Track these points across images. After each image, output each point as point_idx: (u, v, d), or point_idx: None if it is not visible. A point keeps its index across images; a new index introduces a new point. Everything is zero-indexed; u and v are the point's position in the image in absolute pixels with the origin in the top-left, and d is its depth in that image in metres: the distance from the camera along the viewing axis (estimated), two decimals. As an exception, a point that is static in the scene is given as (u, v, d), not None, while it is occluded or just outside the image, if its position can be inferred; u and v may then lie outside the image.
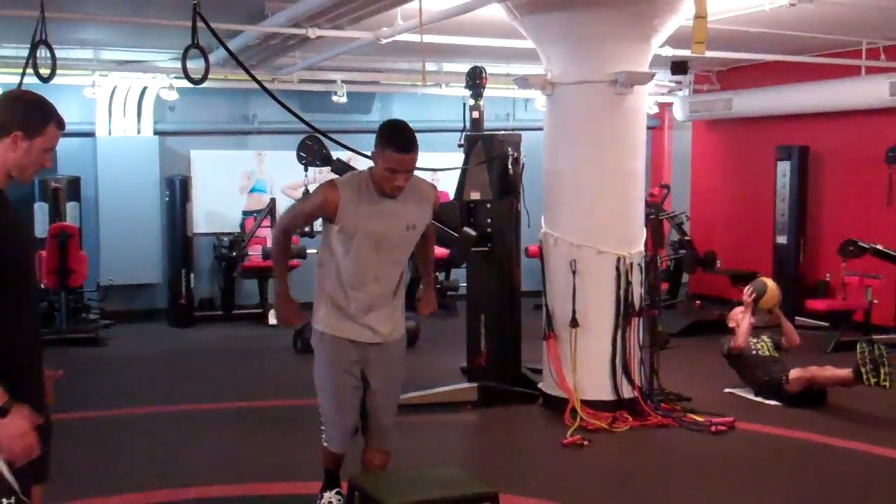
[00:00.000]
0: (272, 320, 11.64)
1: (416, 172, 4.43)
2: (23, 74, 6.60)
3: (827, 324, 10.68)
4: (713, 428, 6.91)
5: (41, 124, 3.10)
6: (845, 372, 7.37)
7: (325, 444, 4.67)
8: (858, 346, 7.30)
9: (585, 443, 6.62)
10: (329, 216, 4.33)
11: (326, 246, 4.47)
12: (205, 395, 8.16)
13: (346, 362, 4.47)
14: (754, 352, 7.97)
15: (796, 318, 10.92)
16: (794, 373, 7.57)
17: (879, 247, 9.98)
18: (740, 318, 8.15)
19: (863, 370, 7.18)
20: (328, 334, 4.49)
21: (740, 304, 8.39)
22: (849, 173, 11.47)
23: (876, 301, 10.12)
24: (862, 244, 9.93)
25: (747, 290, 8.23)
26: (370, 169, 4.38)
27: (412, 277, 5.10)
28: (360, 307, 4.41)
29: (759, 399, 7.81)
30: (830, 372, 7.50)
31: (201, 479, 5.81)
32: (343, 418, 4.52)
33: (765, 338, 8.11)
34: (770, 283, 8.34)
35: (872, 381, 7.14)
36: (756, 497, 5.63)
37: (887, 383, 7.13)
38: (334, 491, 4.73)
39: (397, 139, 4.25)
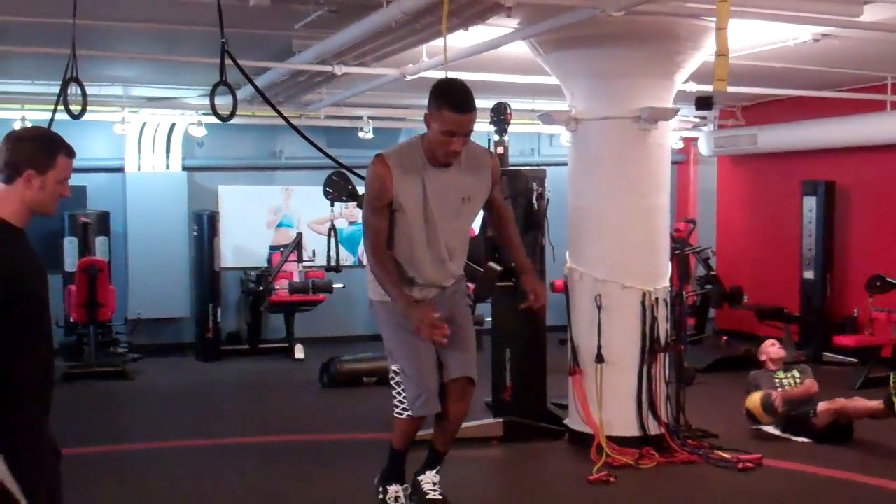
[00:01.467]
0: (298, 354, 11.70)
1: None
2: (54, 111, 6.69)
3: (855, 360, 10.61)
4: (740, 465, 6.86)
5: (51, 157, 3.13)
6: (875, 403, 7.29)
7: (403, 414, 4.34)
8: (892, 377, 7.21)
9: (612, 479, 6.58)
10: (390, 198, 4.03)
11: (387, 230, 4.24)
12: (231, 430, 8.19)
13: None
14: (780, 388, 7.92)
15: (824, 353, 10.86)
16: (822, 406, 7.51)
17: (906, 282, 9.93)
18: (773, 352, 8.14)
19: (895, 400, 7.10)
20: (389, 302, 4.22)
21: (768, 338, 8.36)
22: (875, 208, 11.42)
23: (904, 336, 10.05)
24: (889, 280, 9.87)
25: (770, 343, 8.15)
26: (422, 136, 4.06)
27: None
28: (418, 279, 4.21)
29: (786, 435, 7.75)
30: (860, 403, 7.43)
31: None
32: (426, 379, 4.25)
33: (795, 373, 8.06)
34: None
35: None
36: (783, 535, 5.58)
37: None
38: (403, 486, 4.46)
39: (455, 98, 3.91)
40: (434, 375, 4.25)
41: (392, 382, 4.36)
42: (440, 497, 4.12)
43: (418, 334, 4.01)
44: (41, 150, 3.15)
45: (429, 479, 4.33)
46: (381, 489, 4.50)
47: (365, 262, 4.41)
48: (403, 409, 4.33)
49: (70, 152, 3.20)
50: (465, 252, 4.34)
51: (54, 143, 3.18)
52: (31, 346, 3.10)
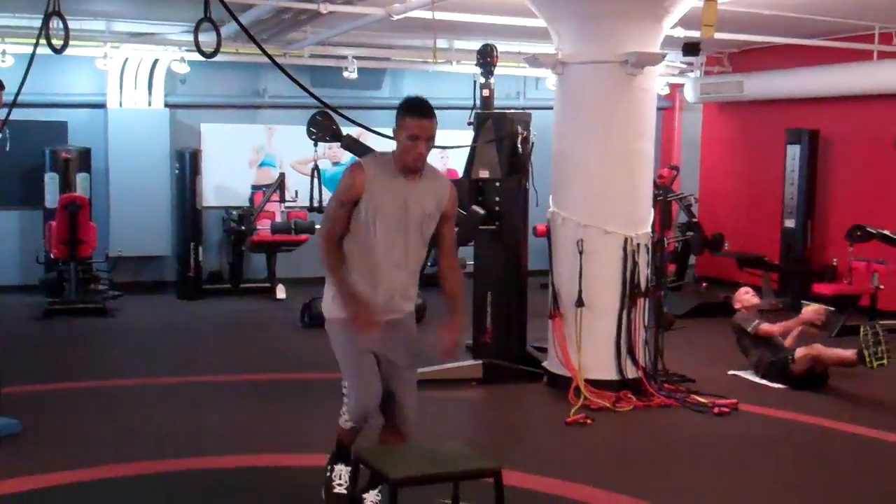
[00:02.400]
0: (280, 294, 11.71)
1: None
2: (35, 45, 6.60)
3: (833, 308, 10.67)
4: (716, 409, 6.95)
5: None
6: (849, 353, 7.46)
7: (347, 424, 4.64)
8: (861, 329, 7.38)
9: (588, 421, 6.66)
10: (358, 195, 4.37)
11: (346, 233, 4.48)
12: (212, 368, 8.22)
13: (364, 343, 4.45)
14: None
15: (802, 301, 10.93)
16: (800, 351, 7.61)
17: (887, 232, 9.99)
18: (746, 300, 8.19)
19: (865, 353, 7.28)
20: (342, 319, 4.47)
21: (745, 285, 8.43)
22: (858, 158, 11.46)
23: (882, 286, 10.12)
24: (869, 229, 9.95)
25: (824, 314, 8.18)
26: (393, 151, 4.45)
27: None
28: (376, 288, 4.43)
29: (763, 381, 7.84)
30: (835, 352, 7.60)
31: (207, 450, 5.86)
32: (367, 395, 4.48)
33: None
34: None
35: (875, 363, 7.22)
36: (757, 478, 5.67)
37: (885, 360, 7.24)
38: (347, 467, 4.73)
39: (415, 107, 4.35)
40: (376, 392, 4.51)
41: (343, 391, 4.66)
42: None
43: (352, 322, 4.35)
44: None
45: (371, 499, 4.62)
46: (329, 468, 4.82)
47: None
48: (346, 420, 4.65)
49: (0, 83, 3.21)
50: (417, 274, 4.60)
51: None
52: None
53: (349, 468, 4.71)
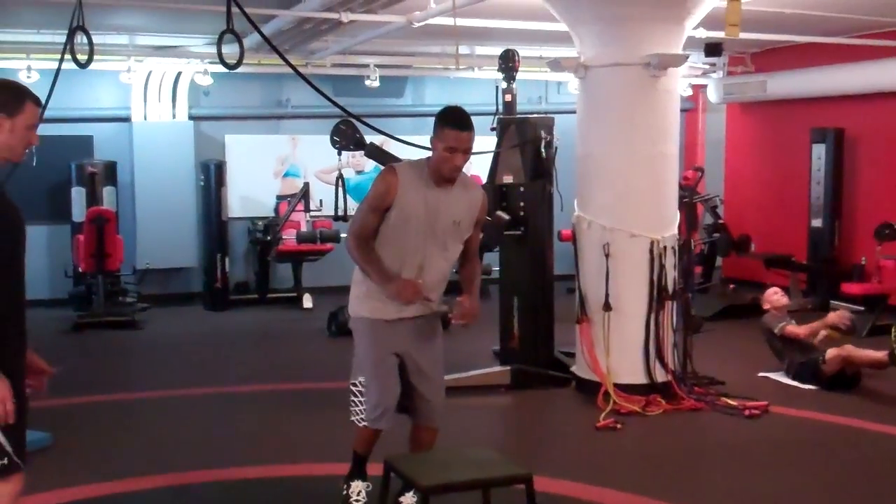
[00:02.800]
0: (307, 304, 11.73)
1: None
2: (61, 60, 6.66)
3: (862, 307, 10.60)
4: (747, 412, 6.90)
5: (19, 103, 3.24)
6: (881, 354, 7.36)
7: (362, 423, 4.67)
8: (894, 329, 7.26)
9: (618, 426, 6.63)
10: (390, 202, 4.40)
11: (374, 236, 4.51)
12: (239, 378, 8.24)
13: (388, 343, 4.53)
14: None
15: (831, 301, 10.86)
16: (831, 352, 7.54)
17: (916, 230, 9.90)
18: (775, 300, 8.13)
19: None
20: (368, 318, 4.55)
21: (773, 286, 8.37)
22: (885, 156, 11.36)
23: (912, 284, 10.04)
24: (898, 227, 9.86)
25: (848, 319, 8.09)
26: (428, 158, 4.48)
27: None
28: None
29: (793, 383, 7.78)
30: (866, 353, 7.49)
31: (235, 461, 5.87)
32: (387, 397, 4.55)
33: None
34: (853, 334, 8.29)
35: None
36: (789, 481, 5.62)
37: None
38: (365, 483, 4.78)
39: (455, 118, 4.37)
40: (395, 394, 4.57)
41: (354, 390, 4.69)
42: None
43: (398, 299, 4.36)
44: (10, 96, 3.25)
45: (408, 501, 4.64)
46: (345, 486, 4.83)
47: (351, 275, 4.70)
48: (361, 419, 4.67)
49: (37, 101, 3.33)
50: (444, 284, 4.63)
51: (22, 90, 3.30)
52: (7, 292, 3.19)
53: (367, 483, 4.76)
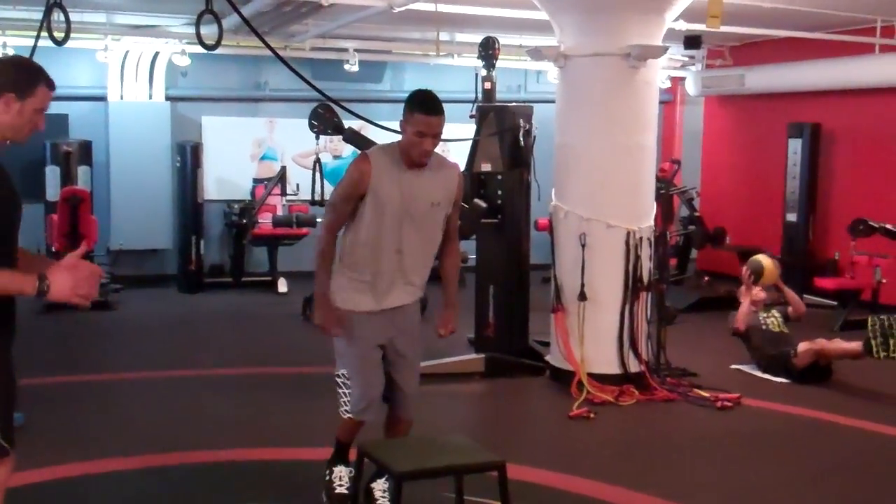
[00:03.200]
0: (281, 288, 11.70)
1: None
2: (37, 37, 6.60)
3: (835, 302, 10.68)
4: (719, 403, 6.94)
5: (31, 85, 3.14)
6: (854, 345, 7.37)
7: (346, 414, 4.66)
8: (870, 320, 7.29)
9: (591, 415, 6.65)
10: (364, 189, 4.36)
11: (350, 222, 4.48)
12: (213, 361, 8.22)
13: (370, 337, 4.51)
14: (764, 327, 8.00)
15: (805, 295, 10.91)
16: (803, 346, 7.59)
17: (889, 226, 9.96)
18: (753, 294, 8.18)
19: (873, 343, 7.16)
20: (349, 311, 4.50)
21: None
22: (860, 152, 11.44)
23: (884, 280, 10.10)
24: (872, 223, 9.93)
25: (744, 271, 8.24)
26: (398, 142, 4.43)
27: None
28: (381, 280, 4.46)
29: (765, 376, 7.83)
30: (839, 344, 7.52)
31: (209, 444, 5.85)
32: (370, 389, 4.54)
33: (775, 312, 8.14)
34: (765, 259, 8.35)
35: (882, 354, 7.12)
36: (760, 472, 5.66)
37: (893, 352, 7.13)
38: (347, 468, 4.75)
39: (424, 103, 4.32)
40: (379, 386, 4.57)
41: (339, 381, 4.70)
42: None
43: (318, 323, 4.49)
44: (24, 76, 3.15)
45: (380, 487, 4.65)
46: (328, 471, 4.82)
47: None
48: (346, 410, 4.67)
49: (51, 84, 3.21)
50: (428, 267, 4.61)
51: (37, 72, 3.18)
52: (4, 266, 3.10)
53: (349, 469, 4.72)
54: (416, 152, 4.32)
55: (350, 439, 4.76)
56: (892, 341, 7.11)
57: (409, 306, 4.60)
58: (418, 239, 4.47)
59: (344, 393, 4.66)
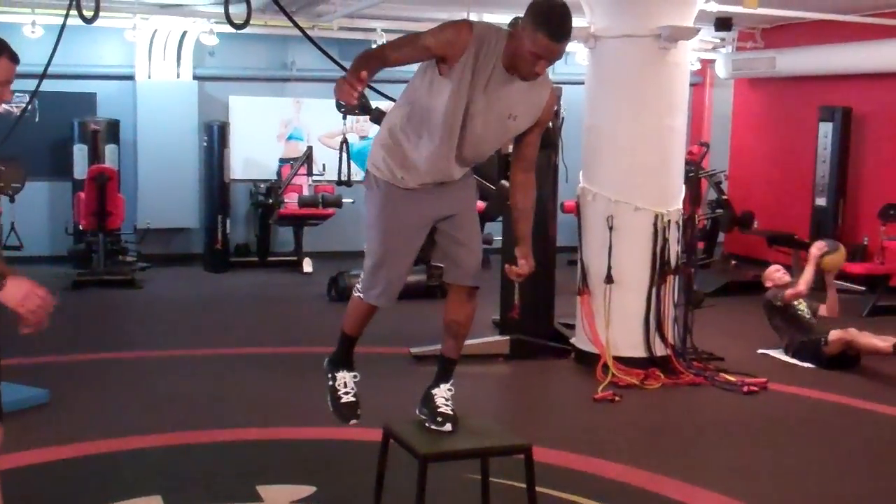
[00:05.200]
0: (307, 268, 11.72)
1: None
2: (66, 15, 6.61)
3: (864, 288, 10.59)
4: (745, 388, 6.89)
5: None
6: (886, 344, 7.27)
7: (358, 294, 4.10)
8: None
9: (616, 398, 6.62)
10: (448, 58, 3.66)
11: (413, 91, 3.88)
12: (238, 340, 8.24)
13: (405, 213, 3.92)
14: (799, 312, 7.91)
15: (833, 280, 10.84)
16: (835, 334, 7.51)
17: (920, 211, 9.87)
18: (777, 278, 8.10)
19: None
20: (385, 181, 3.92)
21: (775, 263, 8.33)
22: (892, 136, 11.30)
23: (914, 266, 10.02)
24: (903, 208, 9.83)
25: (819, 243, 8.08)
26: (509, 36, 3.74)
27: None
28: (427, 166, 3.84)
29: (793, 361, 7.77)
30: (870, 339, 7.41)
31: (234, 422, 5.87)
32: (389, 273, 3.97)
33: (804, 301, 8.04)
34: (842, 246, 8.22)
35: None
36: (785, 458, 5.62)
37: None
38: (351, 373, 4.26)
39: (554, 24, 3.62)
40: (401, 273, 4.00)
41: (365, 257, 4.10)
42: (451, 413, 4.04)
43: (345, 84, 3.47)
44: None
45: (441, 394, 4.08)
46: (329, 375, 4.29)
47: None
48: (358, 287, 4.11)
49: (14, 58, 3.14)
50: (480, 160, 4.04)
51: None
52: None
53: (353, 374, 4.26)
54: (524, 69, 3.67)
55: (356, 330, 4.23)
56: None
57: (460, 181, 4.00)
58: (480, 143, 3.84)
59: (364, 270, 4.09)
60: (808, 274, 7.89)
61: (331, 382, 4.26)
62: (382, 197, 3.93)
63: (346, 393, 4.21)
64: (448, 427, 3.91)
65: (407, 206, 3.92)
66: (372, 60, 3.67)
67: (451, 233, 3.99)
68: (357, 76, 3.43)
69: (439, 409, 4.01)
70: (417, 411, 4.10)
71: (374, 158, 3.97)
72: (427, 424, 4.00)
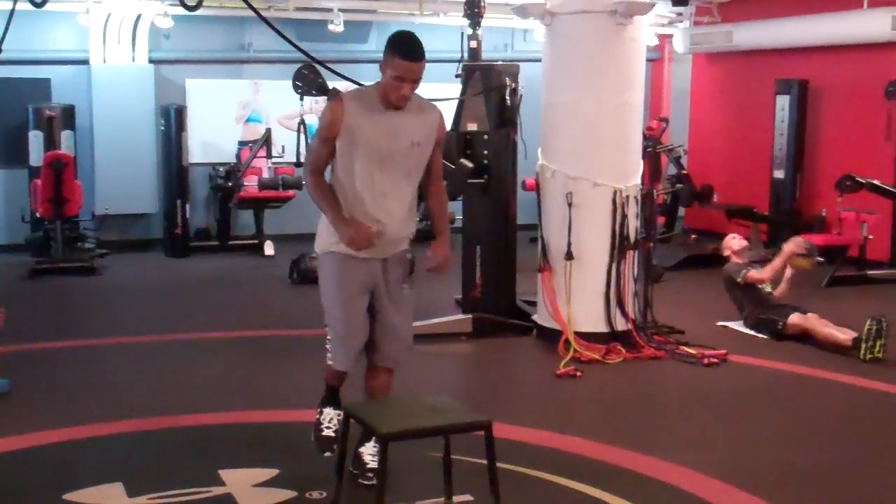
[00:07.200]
0: (268, 251, 11.67)
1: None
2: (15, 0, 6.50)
3: (822, 259, 10.69)
4: (705, 360, 6.96)
5: None
6: (845, 336, 7.23)
7: (329, 362, 4.63)
8: (867, 323, 7.07)
9: (578, 374, 6.66)
10: (336, 130, 4.32)
11: (333, 166, 4.44)
12: (200, 325, 8.19)
13: (355, 282, 4.44)
14: (761, 288, 7.95)
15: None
16: (794, 318, 7.56)
17: (876, 182, 9.98)
18: (734, 244, 8.15)
19: (863, 345, 7.03)
20: (336, 253, 4.43)
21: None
22: (848, 108, 11.41)
23: (871, 236, 10.13)
24: (858, 179, 9.93)
25: (799, 241, 8.05)
26: (377, 83, 4.38)
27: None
28: (365, 222, 4.38)
29: (752, 332, 7.85)
30: (829, 331, 7.38)
31: (196, 407, 5.84)
32: (352, 339, 4.50)
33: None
34: (816, 254, 8.17)
35: (868, 355, 7.00)
36: (746, 428, 5.68)
37: (880, 354, 6.99)
38: (336, 411, 4.72)
39: (405, 47, 4.27)
40: (361, 337, 4.53)
41: (328, 331, 4.62)
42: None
43: (350, 246, 4.30)
44: None
45: (368, 451, 4.62)
46: (319, 411, 4.82)
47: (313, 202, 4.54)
48: (329, 359, 4.64)
49: None
50: (413, 208, 4.54)
51: None
52: None
53: (338, 412, 4.68)
54: (394, 96, 4.28)
55: (337, 384, 4.75)
56: (878, 342, 7.01)
57: (396, 255, 4.56)
58: (402, 182, 4.42)
59: (329, 339, 4.62)
60: (776, 265, 7.87)
61: (318, 416, 4.80)
62: (338, 268, 4.45)
63: (328, 428, 4.74)
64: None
65: (359, 271, 4.45)
66: (327, 191, 4.41)
67: (392, 303, 4.55)
68: (368, 233, 4.30)
69: (368, 466, 4.58)
70: (351, 468, 4.56)
71: (322, 242, 4.50)
72: (360, 480, 4.57)
